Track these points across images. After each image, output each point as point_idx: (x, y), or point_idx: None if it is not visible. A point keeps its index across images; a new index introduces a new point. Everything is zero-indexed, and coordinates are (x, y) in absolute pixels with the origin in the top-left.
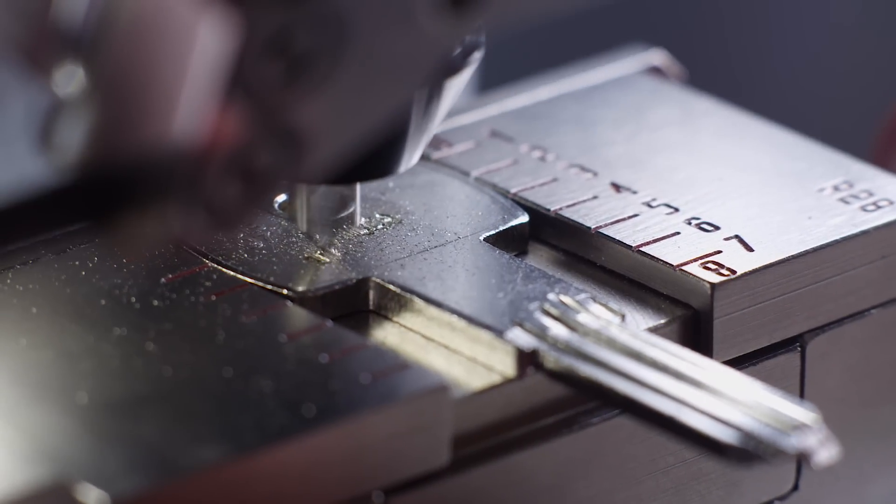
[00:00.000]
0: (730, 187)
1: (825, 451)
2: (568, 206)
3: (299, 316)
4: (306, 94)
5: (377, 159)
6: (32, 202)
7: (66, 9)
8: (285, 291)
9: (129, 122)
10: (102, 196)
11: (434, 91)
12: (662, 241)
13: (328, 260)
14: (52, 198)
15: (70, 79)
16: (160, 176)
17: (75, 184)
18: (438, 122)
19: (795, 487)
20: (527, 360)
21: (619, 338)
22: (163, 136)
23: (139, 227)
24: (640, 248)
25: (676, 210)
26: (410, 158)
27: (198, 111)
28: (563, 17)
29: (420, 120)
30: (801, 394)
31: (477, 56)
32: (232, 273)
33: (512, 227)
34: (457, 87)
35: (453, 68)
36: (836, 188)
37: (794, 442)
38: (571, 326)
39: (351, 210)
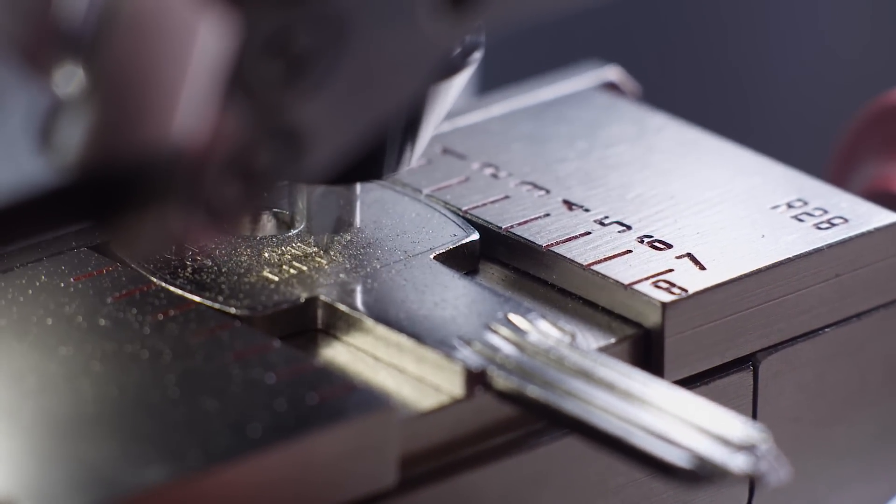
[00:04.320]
0: (683, 205)
1: (776, 472)
2: (519, 224)
3: (247, 335)
4: (306, 93)
5: (377, 159)
6: (32, 202)
7: (66, 8)
8: (233, 311)
9: (128, 122)
10: (102, 196)
11: (434, 90)
12: (614, 260)
13: (277, 279)
14: (52, 198)
15: (70, 79)
16: (160, 176)
17: (75, 184)
18: (439, 122)
19: None
20: (475, 380)
21: (569, 357)
22: (163, 136)
23: (139, 227)
24: (591, 267)
25: (629, 228)
26: (410, 158)
27: (197, 111)
28: (518, 33)
29: (420, 119)
30: (754, 413)
31: (477, 56)
32: (180, 292)
33: (462, 245)
34: (457, 86)
35: (453, 68)
36: (789, 205)
37: (744, 463)
38: (521, 346)
39: (301, 227)
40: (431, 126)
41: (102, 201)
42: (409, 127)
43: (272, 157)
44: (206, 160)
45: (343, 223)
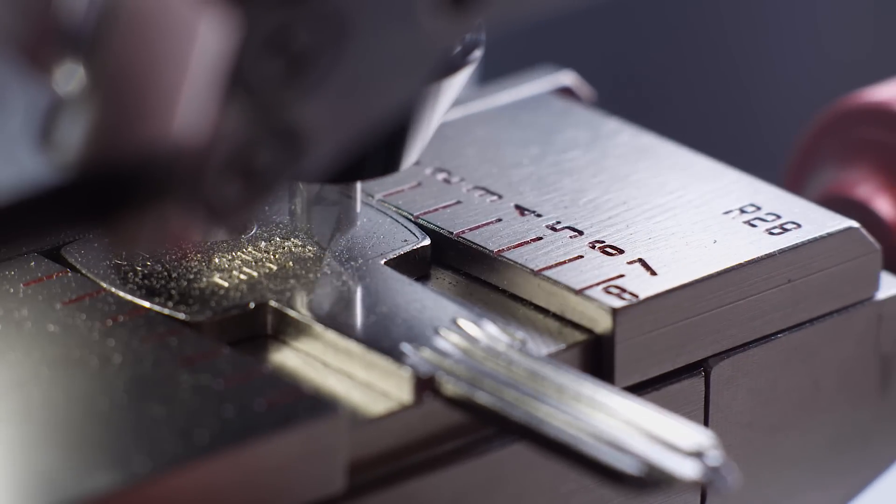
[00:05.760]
0: (635, 210)
1: (725, 479)
2: (471, 229)
3: (195, 341)
4: (306, 92)
5: (376, 158)
6: (32, 201)
7: (66, 7)
8: (182, 316)
9: (129, 121)
10: (103, 195)
11: (434, 89)
12: (565, 265)
13: (226, 284)
14: (52, 197)
15: (70, 77)
16: (160, 174)
17: (75, 182)
18: (439, 120)
19: None
20: (424, 385)
21: (519, 363)
22: (163, 135)
23: (139, 226)
24: (542, 272)
25: (580, 233)
26: (410, 157)
27: (198, 109)
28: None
29: (420, 118)
30: (706, 420)
31: (477, 54)
32: (129, 297)
33: (414, 250)
34: (457, 84)
35: (453, 66)
36: (742, 211)
37: (693, 470)
38: (471, 352)
39: (254, 231)
40: (431, 124)
41: (103, 200)
42: (409, 125)
43: (272, 156)
44: (206, 159)
45: (343, 222)
